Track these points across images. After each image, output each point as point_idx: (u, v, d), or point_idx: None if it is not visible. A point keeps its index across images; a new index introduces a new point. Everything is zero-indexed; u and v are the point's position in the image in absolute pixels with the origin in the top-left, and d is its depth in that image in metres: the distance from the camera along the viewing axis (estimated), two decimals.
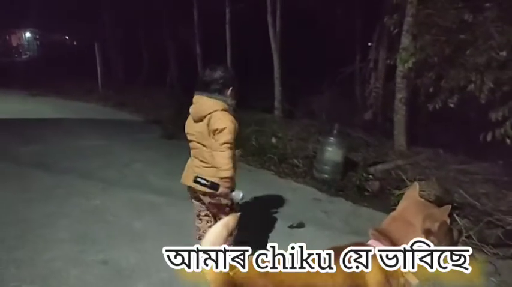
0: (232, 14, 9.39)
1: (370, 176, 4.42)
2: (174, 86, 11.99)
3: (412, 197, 1.58)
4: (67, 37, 34.64)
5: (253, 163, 5.09)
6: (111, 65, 13.75)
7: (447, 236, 1.51)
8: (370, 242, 1.51)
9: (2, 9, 24.26)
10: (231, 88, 2.31)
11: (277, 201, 3.83)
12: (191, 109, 2.34)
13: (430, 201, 1.58)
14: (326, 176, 4.46)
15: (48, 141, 5.71)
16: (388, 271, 1.44)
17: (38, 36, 34.17)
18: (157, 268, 2.62)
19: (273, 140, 5.86)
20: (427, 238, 1.45)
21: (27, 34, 34.35)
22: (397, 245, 1.47)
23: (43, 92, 11.10)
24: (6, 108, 8.57)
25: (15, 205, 3.47)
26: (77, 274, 2.50)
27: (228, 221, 1.36)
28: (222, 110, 2.22)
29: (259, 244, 2.93)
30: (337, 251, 1.50)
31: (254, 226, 3.23)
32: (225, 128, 2.16)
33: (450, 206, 1.45)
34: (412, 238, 1.47)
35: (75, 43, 31.85)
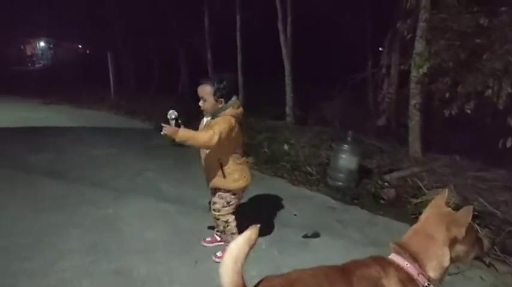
0: (242, 20, 9.41)
1: (386, 183, 4.32)
2: (185, 93, 12.02)
3: (436, 206, 1.51)
4: (80, 46, 35.24)
5: (266, 171, 5.02)
6: (123, 73, 13.88)
7: (476, 243, 1.43)
8: (391, 256, 1.44)
9: (17, 19, 24.78)
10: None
11: (291, 210, 3.76)
12: None
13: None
14: (340, 184, 4.37)
15: (60, 149, 5.72)
16: (410, 285, 1.37)
17: (51, 45, 34.84)
18: (169, 278, 2.58)
19: (286, 147, 5.79)
20: (452, 249, 1.38)
21: (41, 43, 35.06)
22: (417, 260, 1.40)
23: (56, 100, 11.22)
24: (19, 116, 8.67)
25: (26, 214, 3.46)
26: (89, 285, 2.47)
27: (250, 236, 1.29)
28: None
29: (273, 255, 2.88)
30: (357, 264, 1.43)
31: (268, 236, 3.17)
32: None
33: (471, 207, 1.38)
34: (434, 252, 1.40)
35: (88, 51, 32.39)
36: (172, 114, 2.49)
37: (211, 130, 2.44)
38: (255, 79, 10.59)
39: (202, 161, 2.71)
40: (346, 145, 4.42)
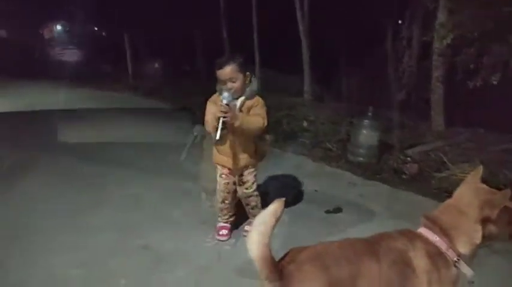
0: None
1: (408, 158, 4.29)
2: (201, 72, 12.02)
3: (471, 182, 1.48)
4: (96, 28, 35.41)
5: (286, 148, 5.04)
6: (140, 54, 13.92)
7: (510, 225, 1.41)
8: (420, 230, 1.45)
9: (35, 5, 24.97)
10: None
11: (312, 186, 3.77)
12: None
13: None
14: (361, 159, 4.36)
15: (84, 130, 5.85)
16: (438, 259, 1.37)
17: (68, 29, 35.14)
18: (196, 254, 2.65)
19: (305, 124, 5.78)
20: (484, 227, 1.37)
21: (58, 27, 35.38)
22: (448, 235, 1.39)
23: (75, 83, 11.38)
24: (38, 99, 8.84)
25: (57, 192, 3.59)
26: (118, 259, 2.57)
27: (276, 208, 1.31)
28: None
29: (296, 230, 2.92)
30: (384, 237, 1.44)
31: (290, 212, 3.20)
32: None
33: (509, 191, 1.35)
34: (465, 228, 1.39)
35: (103, 34, 32.54)
36: (229, 97, 2.29)
37: (259, 116, 2.46)
38: (272, 57, 10.48)
39: (230, 142, 2.55)
40: (366, 120, 4.38)
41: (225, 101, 2.27)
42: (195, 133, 2.52)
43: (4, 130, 5.91)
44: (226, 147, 2.57)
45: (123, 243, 2.76)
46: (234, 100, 2.40)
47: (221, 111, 2.23)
